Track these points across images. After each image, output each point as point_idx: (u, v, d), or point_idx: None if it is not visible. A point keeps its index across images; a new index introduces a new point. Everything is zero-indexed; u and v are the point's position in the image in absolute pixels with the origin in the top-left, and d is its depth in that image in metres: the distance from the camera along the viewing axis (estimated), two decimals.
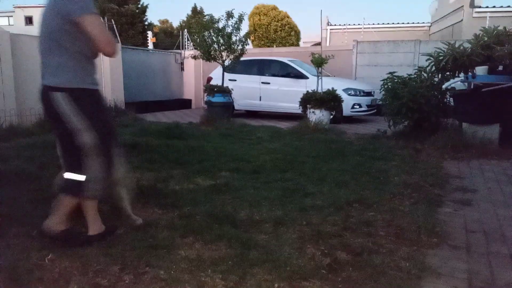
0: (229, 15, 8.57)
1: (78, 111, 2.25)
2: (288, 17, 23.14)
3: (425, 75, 6.49)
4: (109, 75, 9.93)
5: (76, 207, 2.45)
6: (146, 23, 20.57)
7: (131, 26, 17.48)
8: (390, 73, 6.71)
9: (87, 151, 2.31)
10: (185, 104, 13.19)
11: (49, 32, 2.24)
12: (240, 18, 8.62)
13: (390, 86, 6.58)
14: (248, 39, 8.88)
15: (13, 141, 5.64)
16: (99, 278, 2.05)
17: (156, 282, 2.02)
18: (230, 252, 2.34)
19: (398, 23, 17.71)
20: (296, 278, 2.06)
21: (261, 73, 10.09)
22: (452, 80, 6.19)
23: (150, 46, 17.15)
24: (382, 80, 6.73)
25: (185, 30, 13.58)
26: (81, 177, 2.33)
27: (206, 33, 8.55)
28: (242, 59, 9.29)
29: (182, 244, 2.45)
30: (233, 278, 2.04)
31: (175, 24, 30.31)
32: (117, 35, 11.47)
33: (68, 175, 2.35)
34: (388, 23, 17.90)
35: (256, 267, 2.14)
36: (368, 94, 9.42)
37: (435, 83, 6.38)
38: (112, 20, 11.92)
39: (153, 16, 55.50)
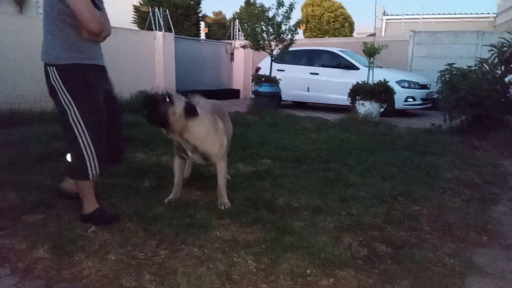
0: (280, 3, 8.47)
1: (62, 87, 2.28)
2: (342, 7, 22.49)
3: (487, 67, 6.03)
4: (162, 64, 10.25)
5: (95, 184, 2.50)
6: (200, 14, 20.92)
7: (186, 18, 17.85)
8: (448, 64, 6.31)
9: (69, 129, 2.31)
10: (234, 94, 13.31)
11: (44, 7, 2.29)
12: (291, 7, 8.49)
13: (447, 78, 6.20)
14: (298, 28, 8.73)
15: None
16: (136, 251, 2.13)
17: (189, 258, 2.06)
18: (264, 236, 2.32)
19: (460, 14, 16.63)
20: (330, 266, 2.00)
21: (310, 63, 9.91)
22: None
23: (203, 36, 17.47)
24: (439, 72, 6.35)
25: (237, 20, 13.66)
26: (71, 157, 2.36)
27: (255, 22, 8.51)
28: (291, 49, 9.17)
29: (218, 225, 2.47)
30: (265, 261, 2.02)
31: (229, 16, 30.60)
32: (171, 26, 11.75)
33: (66, 156, 2.40)
34: (449, 14, 16.87)
35: (290, 252, 2.11)
36: (424, 87, 8.94)
37: (498, 76, 5.91)
38: (167, 10, 12.23)
39: (207, 8, 56.64)
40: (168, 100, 2.45)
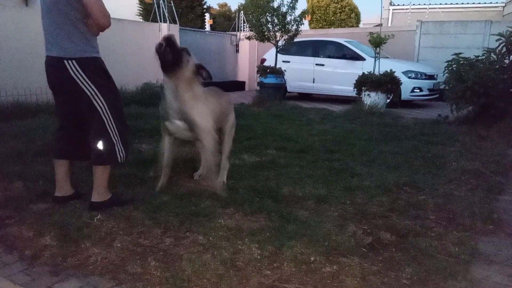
0: None
1: (86, 79, 2.35)
2: None
3: (495, 56, 5.95)
4: None
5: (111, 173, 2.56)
6: (205, 6, 20.82)
7: (190, 10, 17.78)
8: (455, 54, 6.24)
9: (97, 118, 2.40)
10: (239, 86, 13.27)
11: (53, 4, 2.31)
12: None
13: (454, 68, 6.13)
14: (304, 19, 8.66)
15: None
16: (141, 238, 2.15)
17: (194, 246, 2.07)
18: (268, 224, 2.33)
19: (467, 3, 16.39)
20: (334, 254, 2.01)
21: (315, 54, 9.84)
22: None
23: (208, 28, 17.40)
24: (446, 62, 6.28)
25: (242, 11, 13.58)
26: (100, 145, 2.43)
27: (261, 13, 8.45)
28: (296, 40, 9.12)
29: (223, 214, 2.48)
30: (269, 249, 2.03)
31: (234, 7, 30.44)
32: (176, 18, 11.71)
33: (91, 145, 2.44)
34: (456, 3, 16.64)
35: (294, 240, 2.11)
36: (431, 77, 8.86)
37: (506, 65, 5.83)
38: (172, 2, 12.18)
39: (212, 0, 56.42)
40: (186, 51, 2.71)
